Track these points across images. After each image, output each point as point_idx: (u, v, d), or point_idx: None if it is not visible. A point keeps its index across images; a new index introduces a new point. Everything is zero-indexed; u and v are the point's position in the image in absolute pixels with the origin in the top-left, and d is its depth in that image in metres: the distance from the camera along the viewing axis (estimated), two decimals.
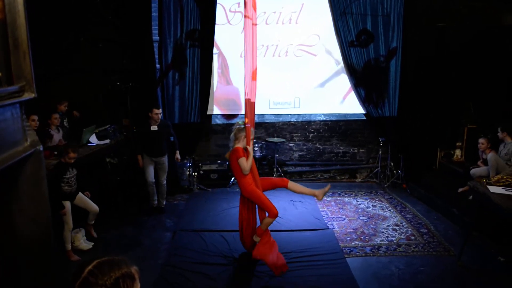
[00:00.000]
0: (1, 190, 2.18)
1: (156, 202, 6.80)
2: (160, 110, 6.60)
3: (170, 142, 7.05)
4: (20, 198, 2.22)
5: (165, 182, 6.81)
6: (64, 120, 7.00)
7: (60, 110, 6.93)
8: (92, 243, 5.54)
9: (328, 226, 6.13)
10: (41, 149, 2.25)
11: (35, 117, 5.87)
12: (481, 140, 6.50)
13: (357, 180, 8.69)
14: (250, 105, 5.14)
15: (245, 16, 5.21)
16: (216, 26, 7.68)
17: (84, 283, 1.46)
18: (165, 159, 6.70)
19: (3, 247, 2.34)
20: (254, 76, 5.26)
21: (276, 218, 6.27)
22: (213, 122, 8.49)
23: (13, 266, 2.37)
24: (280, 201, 7.12)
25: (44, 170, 2.30)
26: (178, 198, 7.48)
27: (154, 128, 6.52)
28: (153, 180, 6.64)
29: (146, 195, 6.81)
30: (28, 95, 2.14)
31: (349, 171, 8.83)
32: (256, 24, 5.42)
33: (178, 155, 6.92)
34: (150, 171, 6.60)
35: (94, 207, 5.59)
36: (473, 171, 6.41)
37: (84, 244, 5.46)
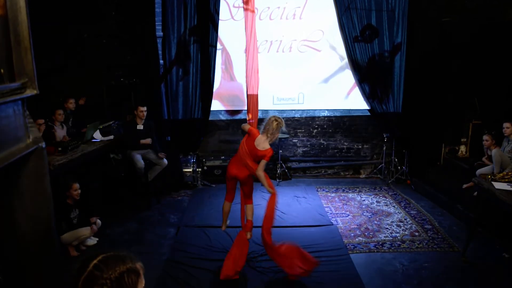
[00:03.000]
0: (4, 186, 2.19)
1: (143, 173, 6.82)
2: (145, 108, 6.81)
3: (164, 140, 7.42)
4: (22, 195, 2.22)
5: (165, 160, 6.94)
6: (70, 120, 7.00)
7: (68, 107, 6.95)
8: (97, 239, 5.55)
9: (332, 222, 6.13)
10: (44, 146, 2.25)
11: (42, 121, 5.89)
12: (485, 137, 6.46)
13: (361, 176, 8.66)
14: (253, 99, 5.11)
15: (245, 9, 5.15)
16: (219, 21, 7.66)
17: (89, 277, 1.48)
18: (149, 150, 6.94)
19: (5, 243, 2.34)
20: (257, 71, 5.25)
21: (280, 214, 6.35)
22: (216, 118, 8.48)
23: (16, 262, 2.38)
24: (284, 197, 7.13)
25: (46, 167, 2.30)
26: (182, 194, 7.49)
27: (139, 127, 6.81)
28: (143, 165, 6.72)
29: (148, 190, 6.88)
30: (30, 92, 2.14)
31: (353, 167, 8.80)
32: (253, 11, 5.33)
33: (161, 154, 6.97)
34: (139, 157, 6.75)
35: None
36: (479, 171, 6.37)
37: (89, 240, 5.47)
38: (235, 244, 4.79)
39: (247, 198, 4.80)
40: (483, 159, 6.67)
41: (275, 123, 4.54)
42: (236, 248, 4.72)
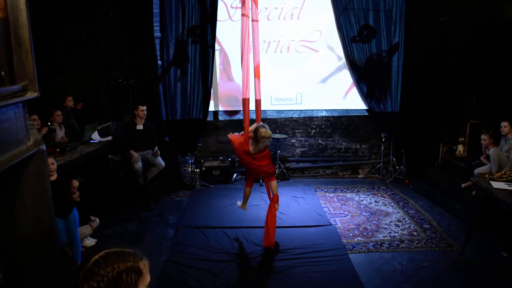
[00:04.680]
0: (5, 189, 2.19)
1: (142, 181, 6.83)
2: (145, 107, 6.79)
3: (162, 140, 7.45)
4: (23, 197, 2.23)
5: (163, 162, 6.97)
6: (71, 118, 7.00)
7: (67, 105, 6.93)
8: (96, 240, 5.55)
9: (330, 222, 6.13)
10: (44, 148, 2.25)
11: (35, 117, 5.87)
12: (483, 136, 6.48)
13: (359, 176, 8.68)
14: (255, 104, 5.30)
15: (242, 15, 5.25)
16: (217, 22, 7.67)
17: (88, 272, 1.47)
18: (149, 150, 6.94)
19: (6, 245, 2.35)
20: (257, 74, 5.35)
21: (279, 215, 6.36)
22: (215, 119, 8.48)
23: (17, 264, 2.38)
24: (282, 197, 7.08)
25: (47, 169, 2.30)
26: (180, 195, 7.48)
27: (139, 127, 6.79)
28: (141, 167, 6.71)
29: (147, 190, 6.87)
30: (31, 94, 2.14)
31: (352, 166, 8.82)
32: (257, 21, 5.45)
33: (156, 150, 6.96)
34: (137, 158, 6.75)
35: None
36: (477, 170, 6.39)
37: (88, 241, 5.47)
38: (267, 217, 5.35)
39: (270, 177, 5.40)
40: (481, 158, 6.69)
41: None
42: (269, 221, 5.32)
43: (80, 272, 1.49)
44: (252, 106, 5.58)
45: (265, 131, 5.03)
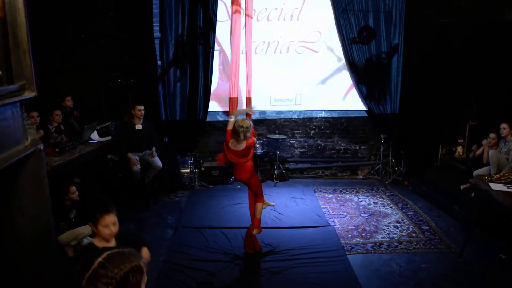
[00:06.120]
0: (2, 188, 2.19)
1: (139, 177, 6.79)
2: (143, 107, 6.71)
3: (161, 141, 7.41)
4: (21, 197, 2.22)
5: (160, 163, 6.92)
6: (72, 119, 6.99)
7: (66, 105, 6.93)
8: None
9: (329, 223, 6.13)
10: (42, 147, 2.25)
11: (35, 114, 5.87)
12: (491, 135, 6.42)
13: (358, 177, 8.68)
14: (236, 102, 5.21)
15: (235, 11, 5.21)
16: (217, 22, 7.66)
17: (93, 274, 1.47)
18: (148, 151, 6.90)
19: (4, 245, 2.34)
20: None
21: (278, 215, 6.35)
22: (214, 119, 8.48)
23: (14, 264, 2.38)
24: (281, 198, 7.14)
25: (45, 169, 2.30)
26: (179, 195, 7.48)
27: (138, 127, 6.72)
28: (139, 168, 6.68)
29: (146, 191, 6.87)
30: (28, 94, 2.14)
31: (351, 168, 8.82)
32: (251, 16, 5.41)
33: (154, 152, 6.90)
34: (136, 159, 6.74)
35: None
36: (476, 172, 6.39)
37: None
38: (245, 239, 5.27)
39: (256, 197, 5.10)
40: (478, 151, 6.71)
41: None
42: (245, 245, 5.24)
43: (82, 275, 1.49)
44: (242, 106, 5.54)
45: (242, 119, 4.64)
